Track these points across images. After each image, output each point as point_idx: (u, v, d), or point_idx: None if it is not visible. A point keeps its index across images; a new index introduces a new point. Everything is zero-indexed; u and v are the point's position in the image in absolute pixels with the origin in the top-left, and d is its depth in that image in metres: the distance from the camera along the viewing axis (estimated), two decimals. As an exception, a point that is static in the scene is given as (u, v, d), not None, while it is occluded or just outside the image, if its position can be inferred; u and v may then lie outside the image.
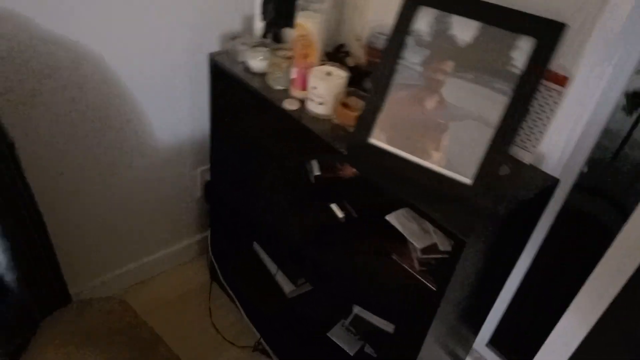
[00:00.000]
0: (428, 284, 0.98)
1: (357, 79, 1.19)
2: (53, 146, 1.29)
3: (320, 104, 1.07)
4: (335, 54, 1.31)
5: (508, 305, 1.44)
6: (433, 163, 0.90)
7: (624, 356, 1.15)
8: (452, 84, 0.88)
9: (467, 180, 0.86)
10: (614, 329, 1.13)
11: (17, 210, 0.82)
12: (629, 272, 1.02)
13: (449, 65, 0.88)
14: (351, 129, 1.02)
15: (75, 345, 0.80)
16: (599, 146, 1.06)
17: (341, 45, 1.34)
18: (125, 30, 1.25)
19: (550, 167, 1.04)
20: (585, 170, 1.10)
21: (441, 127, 0.89)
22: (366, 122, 0.96)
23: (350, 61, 1.27)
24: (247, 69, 1.25)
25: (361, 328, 1.23)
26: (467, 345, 1.42)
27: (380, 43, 1.14)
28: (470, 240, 0.81)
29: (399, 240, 1.08)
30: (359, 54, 1.29)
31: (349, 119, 1.04)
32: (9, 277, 0.79)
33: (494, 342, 1.57)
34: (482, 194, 0.85)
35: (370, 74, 1.15)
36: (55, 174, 1.33)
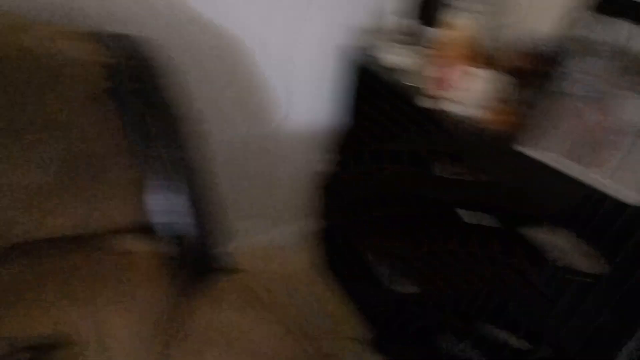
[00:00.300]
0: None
1: (512, 83, 1.15)
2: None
3: (471, 106, 1.05)
4: (496, 56, 1.26)
5: None
6: (596, 181, 0.85)
7: None
8: (626, 99, 0.82)
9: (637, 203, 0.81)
10: None
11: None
12: None
13: (625, 78, 0.82)
14: (502, 134, 0.99)
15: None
16: None
17: (504, 48, 1.29)
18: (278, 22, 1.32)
19: None
20: None
21: (609, 143, 0.84)
22: (524, 129, 0.93)
23: (505, 65, 1.22)
24: (387, 67, 1.25)
25: (486, 347, 1.18)
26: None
27: (540, 49, 1.08)
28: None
29: (533, 253, 1.03)
30: (521, 59, 1.24)
31: (502, 123, 1.01)
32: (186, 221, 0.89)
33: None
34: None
35: (525, 80, 1.10)
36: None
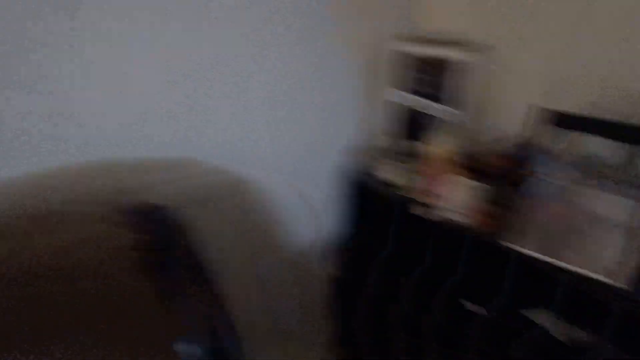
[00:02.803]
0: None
1: (492, 185, 1.29)
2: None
3: (455, 212, 1.18)
4: (471, 163, 1.41)
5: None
6: (580, 268, 0.95)
7: None
8: (590, 193, 0.96)
9: (621, 285, 0.90)
10: None
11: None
12: None
13: (580, 177, 0.96)
14: (488, 234, 1.10)
15: None
16: None
17: (476, 154, 1.45)
18: (267, 148, 1.48)
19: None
20: None
21: (585, 234, 0.96)
22: (507, 228, 1.05)
23: (483, 167, 1.37)
24: (381, 181, 1.41)
25: None
26: None
27: (513, 152, 1.23)
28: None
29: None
30: (493, 162, 1.39)
31: (486, 225, 1.13)
32: None
33: None
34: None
35: (504, 181, 1.24)
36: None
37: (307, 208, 1.66)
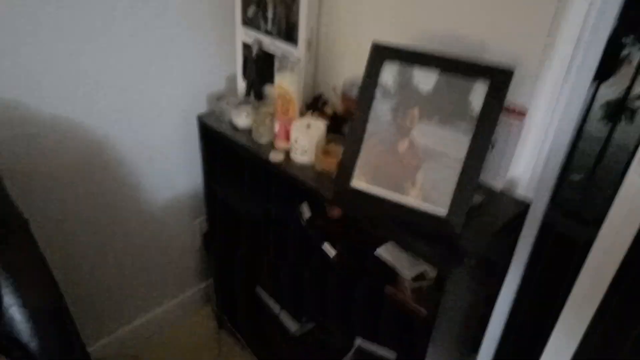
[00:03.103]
0: (421, 309, 1.04)
1: (336, 126, 1.29)
2: (54, 211, 1.36)
3: (303, 154, 1.16)
4: (315, 104, 1.41)
5: (505, 323, 1.49)
6: (411, 199, 0.98)
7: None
8: (420, 128, 0.97)
9: (443, 213, 0.94)
10: (599, 342, 1.19)
11: (37, 280, 0.89)
12: (603, 288, 1.09)
13: (414, 112, 0.97)
14: (334, 174, 1.10)
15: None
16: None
17: (320, 95, 1.45)
18: (115, 100, 1.35)
19: (522, 191, 1.12)
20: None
21: (414, 167, 0.98)
22: (346, 167, 1.04)
23: (328, 110, 1.37)
24: (233, 127, 1.34)
25: (365, 358, 1.28)
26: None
27: (354, 92, 1.23)
28: (452, 267, 0.88)
29: (392, 271, 1.15)
30: (336, 103, 1.39)
31: (330, 165, 1.12)
32: (33, 345, 0.85)
33: (498, 361, 1.62)
34: (458, 223, 0.93)
35: (347, 121, 1.25)
36: (61, 241, 1.40)
37: (169, 161, 1.55)
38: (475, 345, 1.41)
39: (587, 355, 1.21)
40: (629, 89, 2.07)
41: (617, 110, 1.09)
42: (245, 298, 1.74)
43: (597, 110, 1.23)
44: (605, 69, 1.02)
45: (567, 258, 1.14)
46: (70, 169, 1.33)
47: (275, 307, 1.66)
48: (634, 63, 1.10)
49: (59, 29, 1.16)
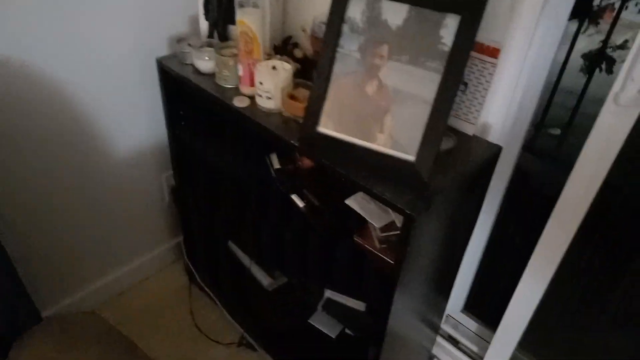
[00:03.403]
0: (388, 259, 1.02)
1: (306, 70, 1.22)
2: (10, 166, 1.28)
3: (269, 98, 1.09)
4: (284, 47, 1.33)
5: (477, 270, 1.50)
6: (379, 145, 0.93)
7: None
8: (389, 68, 0.91)
9: (411, 158, 0.90)
10: (567, 282, 1.20)
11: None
12: (572, 231, 1.09)
13: (384, 50, 0.91)
14: (301, 120, 1.04)
15: (48, 360, 0.82)
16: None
17: (289, 37, 1.36)
18: (71, 44, 1.25)
19: (495, 135, 1.08)
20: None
21: (383, 110, 0.93)
22: (313, 112, 0.98)
23: (298, 53, 1.29)
24: (196, 71, 1.26)
25: (335, 310, 1.27)
26: (440, 312, 1.48)
27: (317, 33, 1.16)
28: (418, 214, 0.85)
29: (361, 221, 1.12)
30: (306, 45, 1.31)
31: (297, 110, 1.06)
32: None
33: (469, 307, 1.64)
34: (425, 168, 0.89)
35: (312, 65, 1.18)
36: (16, 192, 1.33)
37: (131, 111, 1.47)
38: (446, 292, 1.42)
39: (555, 298, 1.23)
40: (608, 37, 2.02)
41: (596, 60, 1.03)
42: (217, 253, 1.71)
43: (576, 61, 1.19)
44: (583, 6, 0.96)
45: (538, 204, 1.12)
46: (22, 116, 1.24)
47: (247, 262, 1.64)
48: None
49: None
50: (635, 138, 0.98)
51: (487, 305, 1.62)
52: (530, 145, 2.34)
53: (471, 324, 1.61)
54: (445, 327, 1.61)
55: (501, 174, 1.21)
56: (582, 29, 2.97)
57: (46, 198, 1.39)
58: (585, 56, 2.99)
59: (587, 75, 2.65)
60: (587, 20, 2.96)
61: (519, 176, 1.28)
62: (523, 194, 1.99)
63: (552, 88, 2.10)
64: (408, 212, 0.85)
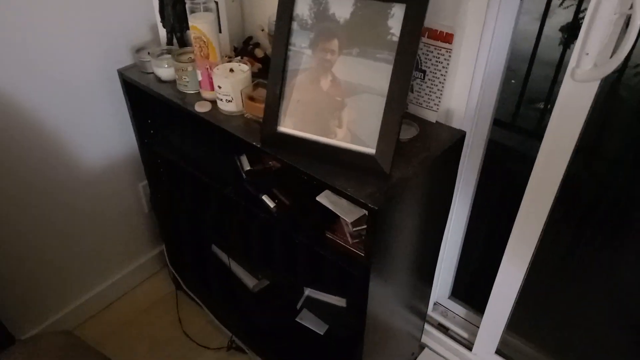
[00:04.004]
0: (360, 253, 1.02)
1: (267, 69, 1.20)
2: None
3: (229, 101, 1.08)
4: (245, 48, 1.31)
5: (460, 255, 1.50)
6: (339, 140, 0.93)
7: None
8: (341, 62, 0.90)
9: (371, 150, 0.89)
10: (549, 261, 1.20)
11: None
12: (546, 209, 1.08)
13: (334, 44, 0.90)
14: (259, 120, 1.03)
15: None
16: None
17: (249, 38, 1.35)
18: (31, 63, 1.23)
19: (459, 120, 1.08)
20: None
21: (339, 105, 0.92)
22: (271, 112, 0.97)
23: (259, 52, 1.28)
24: (157, 79, 1.25)
25: (317, 308, 1.27)
26: (425, 300, 1.48)
27: (270, 32, 1.15)
28: (381, 206, 0.84)
29: (334, 217, 1.11)
30: (266, 44, 1.30)
31: (258, 111, 1.05)
32: None
33: (456, 294, 1.64)
34: (386, 160, 0.88)
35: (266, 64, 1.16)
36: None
37: (99, 122, 1.45)
38: (428, 279, 1.41)
39: (538, 277, 1.23)
40: (578, 9, 2.01)
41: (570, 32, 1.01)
42: (201, 258, 1.70)
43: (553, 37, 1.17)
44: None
45: (521, 182, 1.11)
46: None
47: (232, 265, 1.63)
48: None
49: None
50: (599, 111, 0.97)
51: (475, 290, 1.62)
52: (513, 122, 2.33)
53: (460, 310, 1.61)
54: (434, 314, 1.61)
55: (472, 157, 1.20)
56: (559, 3, 2.95)
57: (21, 220, 1.38)
58: (563, 29, 2.98)
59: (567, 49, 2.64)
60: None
61: (503, 155, 1.27)
62: (506, 174, 1.99)
63: (529, 64, 2.09)
64: (371, 205, 0.85)
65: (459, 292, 1.63)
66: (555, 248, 1.70)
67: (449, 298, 1.64)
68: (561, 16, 2.91)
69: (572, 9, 2.82)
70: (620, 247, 1.70)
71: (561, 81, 0.92)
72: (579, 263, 1.73)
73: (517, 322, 1.41)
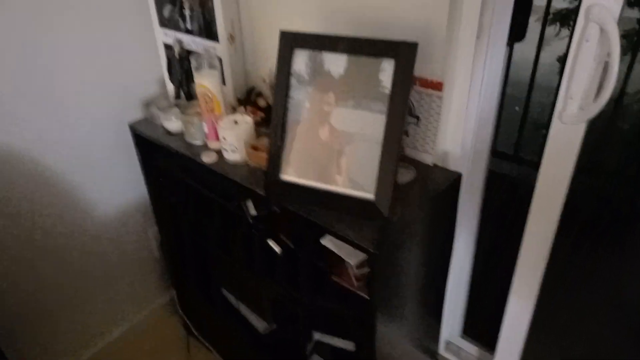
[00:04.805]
0: (365, 296, 1.03)
1: (270, 118, 1.26)
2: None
3: (234, 151, 1.13)
4: (248, 98, 1.38)
5: (468, 292, 1.50)
6: (338, 186, 0.96)
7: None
8: (338, 113, 0.95)
9: (370, 196, 0.93)
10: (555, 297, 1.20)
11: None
12: (548, 241, 1.10)
13: (330, 97, 0.95)
14: (263, 169, 1.08)
15: None
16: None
17: (252, 88, 1.42)
18: (46, 121, 1.31)
19: (456, 161, 1.11)
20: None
21: (338, 153, 0.96)
22: (274, 161, 1.02)
23: (261, 102, 1.34)
24: (166, 131, 1.31)
25: (326, 353, 1.27)
26: (435, 338, 1.47)
27: (272, 85, 1.21)
28: (381, 250, 0.87)
29: (339, 260, 1.13)
30: (268, 94, 1.36)
31: (261, 160, 1.10)
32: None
33: (467, 332, 1.63)
34: (385, 204, 0.91)
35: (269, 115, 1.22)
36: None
37: (110, 173, 1.51)
38: (437, 317, 1.41)
39: (548, 308, 1.22)
40: (570, 40, 2.07)
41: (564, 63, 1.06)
42: (210, 302, 1.72)
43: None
44: (519, 28, 1.00)
45: (518, 214, 1.13)
46: (4, 191, 1.29)
47: (242, 309, 1.65)
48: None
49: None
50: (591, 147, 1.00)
51: (486, 327, 1.61)
52: (515, 153, 2.36)
53: (472, 348, 1.59)
54: (446, 354, 1.60)
55: (472, 195, 1.23)
56: (555, 33, 3.03)
57: (32, 269, 1.42)
58: (560, 59, 3.04)
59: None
60: (557, 24, 3.03)
61: (509, 187, 1.28)
62: (513, 206, 2.00)
63: (527, 92, 2.13)
64: (371, 250, 0.87)
65: (470, 330, 1.62)
66: (563, 276, 1.69)
67: (460, 336, 1.62)
68: (560, 44, 2.98)
69: (567, 39, 2.90)
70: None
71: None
72: (589, 292, 1.71)
73: (529, 357, 1.39)
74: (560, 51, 2.99)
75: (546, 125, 1.04)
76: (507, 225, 1.87)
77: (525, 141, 2.42)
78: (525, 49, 1.04)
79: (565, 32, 2.99)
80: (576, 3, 2.99)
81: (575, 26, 0.84)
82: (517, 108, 2.54)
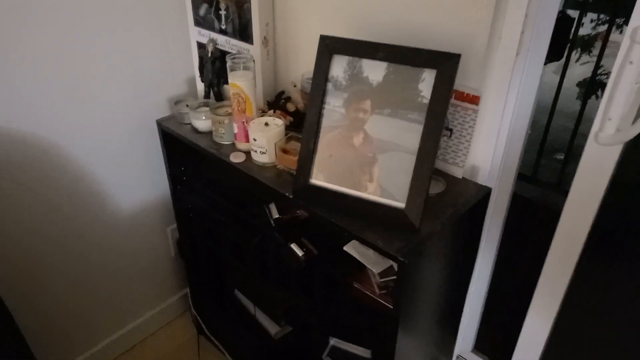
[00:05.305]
0: (387, 305, 1.03)
1: (299, 122, 1.27)
2: (14, 233, 1.33)
3: (263, 153, 1.14)
4: (277, 101, 1.39)
5: (484, 308, 1.49)
6: (369, 193, 0.96)
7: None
8: (373, 121, 0.96)
9: (401, 205, 0.93)
10: (575, 316, 1.19)
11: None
12: (571, 264, 1.09)
13: (367, 104, 0.96)
14: (294, 172, 1.08)
15: None
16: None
17: (281, 92, 1.42)
18: (75, 112, 1.32)
19: (484, 176, 1.11)
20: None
21: (371, 160, 0.96)
22: (304, 165, 1.02)
23: (290, 106, 1.35)
24: (194, 130, 1.32)
25: (342, 359, 1.27)
26: (450, 353, 1.46)
27: (304, 90, 1.22)
28: (410, 260, 0.87)
29: (360, 268, 1.13)
30: (297, 99, 1.37)
31: (290, 163, 1.10)
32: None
33: (479, 347, 1.61)
34: (415, 214, 0.91)
35: (301, 119, 1.23)
36: (19, 256, 1.37)
37: (134, 169, 1.52)
38: (453, 332, 1.40)
39: (564, 329, 1.21)
40: (597, 65, 2.07)
41: (588, 88, 1.05)
42: (223, 303, 1.72)
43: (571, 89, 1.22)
44: (558, 48, 1.01)
45: (545, 235, 1.13)
46: (27, 182, 1.30)
47: (254, 311, 1.64)
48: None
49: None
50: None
51: (498, 343, 1.59)
52: (534, 174, 2.35)
53: (483, 363, 1.58)
54: (456, 368, 1.58)
55: (497, 212, 1.22)
56: (576, 58, 3.03)
57: (51, 260, 1.43)
58: (580, 84, 3.04)
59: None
60: (579, 50, 3.04)
61: (526, 208, 1.28)
62: (530, 227, 1.99)
63: (549, 116, 2.13)
64: (401, 259, 0.87)
65: (481, 345, 1.61)
66: (586, 295, 1.67)
67: (472, 351, 1.61)
68: (578, 69, 2.98)
69: (587, 65, 2.90)
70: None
71: (581, 133, 0.95)
72: (611, 314, 1.69)
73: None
74: (578, 76, 3.00)
75: (563, 149, 1.04)
76: (522, 242, 1.86)
77: (542, 164, 2.41)
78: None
79: (585, 57, 3.00)
80: (600, 29, 3.00)
81: (603, 51, 0.84)
82: (529, 132, 2.54)
